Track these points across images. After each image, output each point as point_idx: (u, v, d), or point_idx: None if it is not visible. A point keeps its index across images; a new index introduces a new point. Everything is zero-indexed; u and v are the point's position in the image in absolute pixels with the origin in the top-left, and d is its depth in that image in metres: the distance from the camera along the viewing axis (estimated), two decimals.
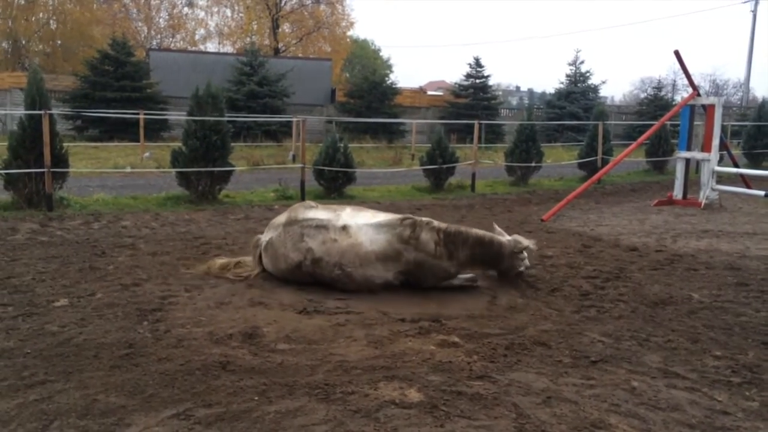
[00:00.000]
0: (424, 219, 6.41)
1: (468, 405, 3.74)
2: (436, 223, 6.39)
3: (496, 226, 6.97)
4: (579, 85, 38.72)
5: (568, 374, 4.27)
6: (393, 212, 6.76)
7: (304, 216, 6.33)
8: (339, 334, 4.98)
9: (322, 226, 6.20)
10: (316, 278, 6.23)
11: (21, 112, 10.64)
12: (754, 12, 44.75)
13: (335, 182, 13.49)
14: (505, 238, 6.60)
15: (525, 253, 6.61)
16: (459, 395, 3.86)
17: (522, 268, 6.63)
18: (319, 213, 6.37)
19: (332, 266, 6.08)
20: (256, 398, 3.79)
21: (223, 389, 3.89)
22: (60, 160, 10.62)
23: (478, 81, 37.26)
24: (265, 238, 6.58)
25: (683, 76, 14.69)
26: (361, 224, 6.25)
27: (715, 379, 4.27)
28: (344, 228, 6.17)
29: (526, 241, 6.58)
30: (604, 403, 3.83)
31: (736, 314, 5.74)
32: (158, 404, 3.70)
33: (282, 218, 6.55)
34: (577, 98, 37.48)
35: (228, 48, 50.26)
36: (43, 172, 10.27)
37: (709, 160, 13.15)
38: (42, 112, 10.13)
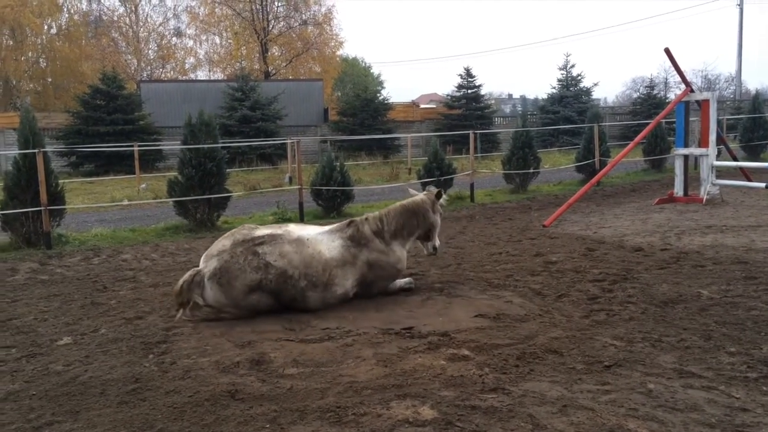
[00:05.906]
0: (362, 217, 6.82)
1: (483, 419, 3.67)
2: (370, 215, 6.80)
3: (411, 190, 7.63)
4: (571, 88, 38.82)
5: (582, 381, 4.19)
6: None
7: (252, 235, 6.14)
8: (347, 354, 4.90)
9: (276, 240, 6.06)
10: (277, 298, 5.97)
11: (15, 152, 10.62)
12: (741, 6, 44.94)
13: (333, 201, 13.48)
14: (419, 195, 7.14)
15: (442, 200, 7.21)
16: (473, 409, 3.79)
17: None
18: (265, 230, 6.25)
19: (297, 279, 5.94)
20: (268, 426, 3.71)
21: (233, 419, 3.82)
22: (56, 197, 10.62)
23: (470, 91, 37.39)
24: (208, 268, 5.99)
25: (675, 73, 14.69)
26: (314, 234, 6.36)
27: (731, 375, 4.20)
28: (299, 239, 6.16)
29: (433, 188, 7.25)
30: (621, 408, 3.76)
31: (747, 308, 5.67)
32: None
33: (224, 244, 6.15)
34: (570, 102, 37.58)
35: (218, 75, 50.68)
36: (40, 211, 10.25)
37: (707, 155, 13.12)
38: (36, 151, 10.13)
